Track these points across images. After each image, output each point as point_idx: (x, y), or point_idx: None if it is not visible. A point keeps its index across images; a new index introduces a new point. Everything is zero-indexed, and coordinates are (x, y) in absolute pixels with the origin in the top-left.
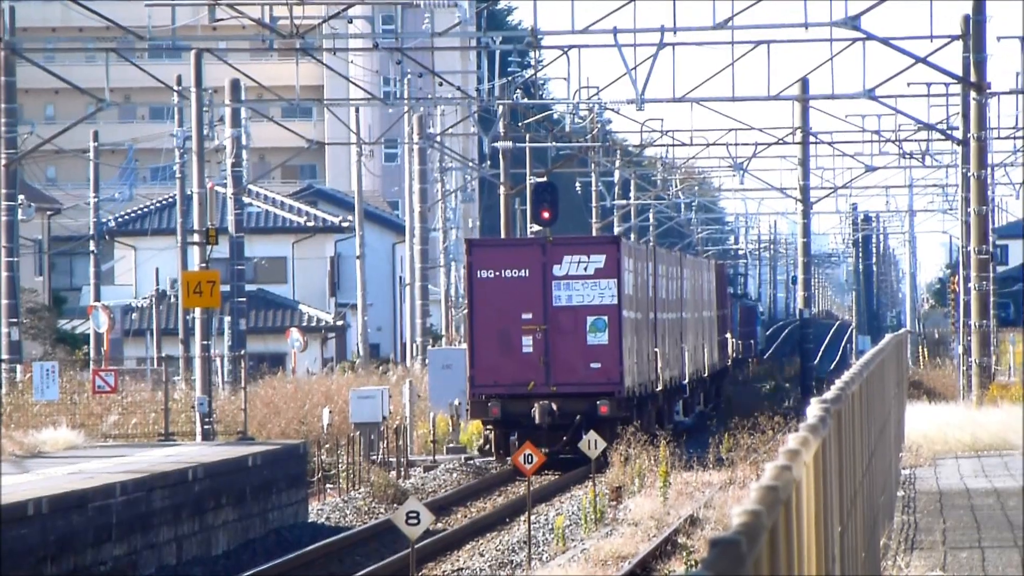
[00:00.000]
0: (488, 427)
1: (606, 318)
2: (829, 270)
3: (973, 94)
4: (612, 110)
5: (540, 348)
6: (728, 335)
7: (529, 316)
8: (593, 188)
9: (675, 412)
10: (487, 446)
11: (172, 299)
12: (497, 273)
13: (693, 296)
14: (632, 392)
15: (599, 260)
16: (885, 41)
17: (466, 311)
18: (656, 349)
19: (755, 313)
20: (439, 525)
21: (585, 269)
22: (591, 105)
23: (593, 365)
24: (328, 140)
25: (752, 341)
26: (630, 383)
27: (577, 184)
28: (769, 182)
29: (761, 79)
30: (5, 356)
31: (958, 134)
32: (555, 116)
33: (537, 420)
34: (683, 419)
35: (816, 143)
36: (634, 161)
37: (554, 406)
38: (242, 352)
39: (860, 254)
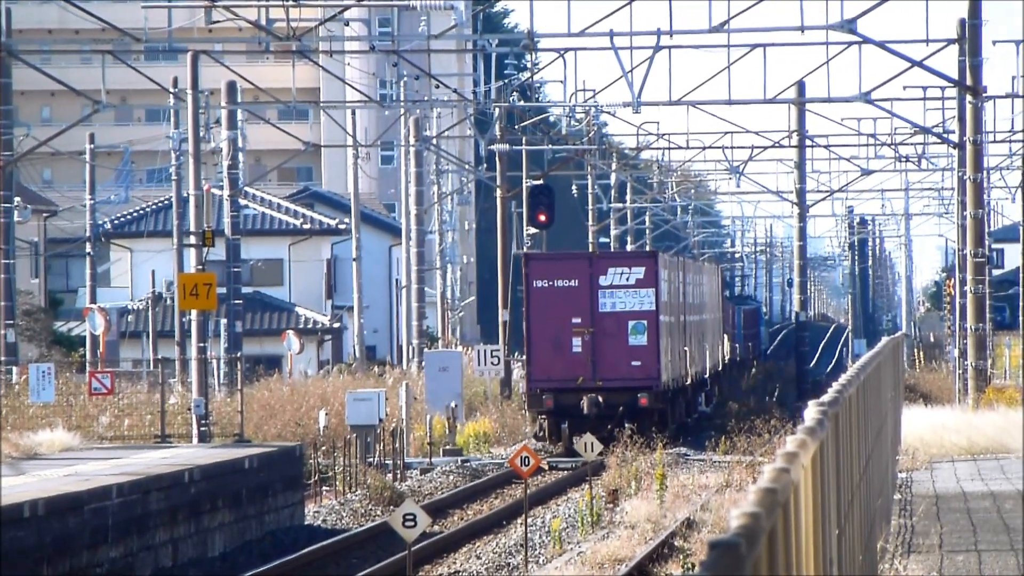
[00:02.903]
0: (542, 416)
1: (645, 322)
2: (825, 273)
3: (969, 97)
4: (608, 113)
5: (588, 348)
6: (725, 335)
7: (578, 320)
8: (589, 191)
9: (699, 403)
10: (541, 432)
11: (168, 301)
12: (550, 283)
13: (710, 300)
14: (667, 386)
15: (639, 272)
16: (881, 44)
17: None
18: (686, 348)
19: (759, 315)
20: (436, 527)
21: (627, 280)
22: (587, 108)
23: (634, 363)
24: (324, 142)
25: (756, 342)
26: (666, 378)
27: (573, 187)
28: (765, 185)
29: (757, 82)
30: (1, 358)
31: (954, 137)
32: (551, 119)
33: (585, 411)
34: (704, 409)
35: (812, 146)
36: (630, 164)
37: (600, 398)
38: (238, 354)
39: (856, 257)
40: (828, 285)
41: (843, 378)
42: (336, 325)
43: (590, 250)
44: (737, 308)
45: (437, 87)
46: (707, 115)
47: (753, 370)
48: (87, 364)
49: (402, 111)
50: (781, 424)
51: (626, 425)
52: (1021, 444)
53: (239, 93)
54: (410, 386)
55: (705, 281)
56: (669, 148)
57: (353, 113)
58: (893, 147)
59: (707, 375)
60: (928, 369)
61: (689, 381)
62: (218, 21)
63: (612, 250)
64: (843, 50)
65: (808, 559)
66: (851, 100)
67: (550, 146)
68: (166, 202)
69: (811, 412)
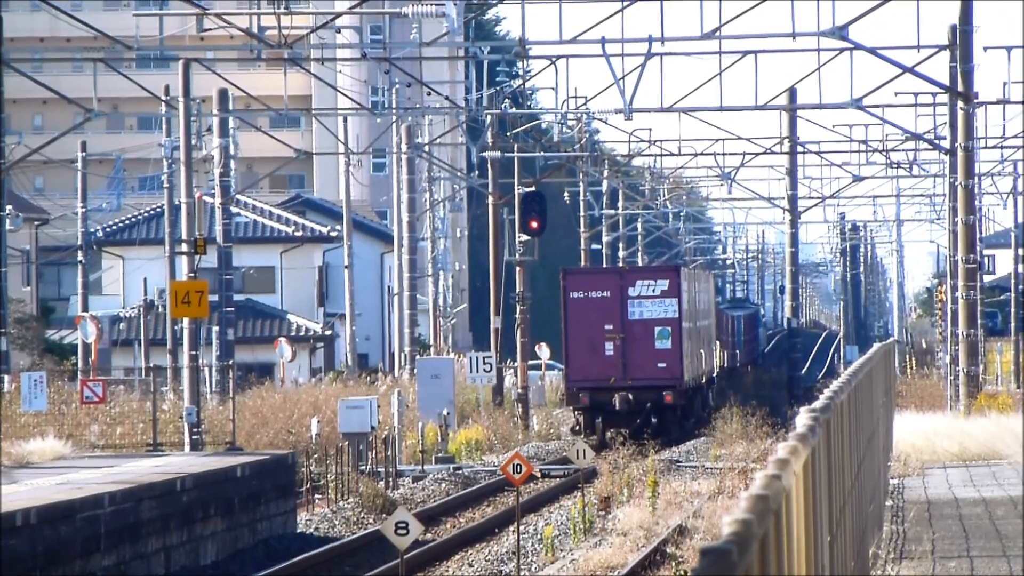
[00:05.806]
0: (578, 412)
1: (669, 328)
2: (817, 280)
3: (960, 104)
4: (600, 120)
5: (619, 351)
6: (719, 341)
7: (610, 327)
8: (581, 198)
9: (709, 399)
10: (577, 427)
11: (160, 309)
12: (585, 294)
13: (713, 306)
14: (688, 385)
15: (664, 284)
16: (872, 51)
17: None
18: (701, 350)
19: (757, 318)
20: (428, 535)
21: (653, 291)
22: (579, 115)
23: (660, 364)
24: (316, 150)
25: (755, 346)
26: (687, 378)
27: (565, 194)
28: (757, 192)
29: (749, 89)
30: None
31: (945, 144)
32: (543, 126)
33: (617, 407)
34: (711, 404)
35: (804, 153)
36: (622, 171)
37: (630, 396)
38: (230, 362)
39: (848, 264)
40: (820, 291)
41: (835, 384)
42: (328, 332)
43: (582, 259)
44: (736, 312)
45: (429, 94)
46: (699, 122)
47: (748, 376)
48: (79, 372)
49: (394, 118)
50: (773, 430)
51: (652, 419)
52: (1013, 450)
53: (231, 101)
54: (402, 393)
55: (710, 288)
56: (661, 155)
57: (345, 120)
58: (884, 153)
59: (715, 374)
60: (920, 375)
61: (704, 380)
62: (209, 29)
63: (640, 265)
64: (834, 56)
65: (800, 565)
66: (842, 106)
67: (542, 153)
68: (158, 210)
69: (803, 419)
